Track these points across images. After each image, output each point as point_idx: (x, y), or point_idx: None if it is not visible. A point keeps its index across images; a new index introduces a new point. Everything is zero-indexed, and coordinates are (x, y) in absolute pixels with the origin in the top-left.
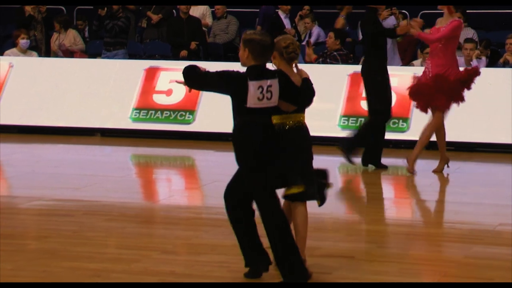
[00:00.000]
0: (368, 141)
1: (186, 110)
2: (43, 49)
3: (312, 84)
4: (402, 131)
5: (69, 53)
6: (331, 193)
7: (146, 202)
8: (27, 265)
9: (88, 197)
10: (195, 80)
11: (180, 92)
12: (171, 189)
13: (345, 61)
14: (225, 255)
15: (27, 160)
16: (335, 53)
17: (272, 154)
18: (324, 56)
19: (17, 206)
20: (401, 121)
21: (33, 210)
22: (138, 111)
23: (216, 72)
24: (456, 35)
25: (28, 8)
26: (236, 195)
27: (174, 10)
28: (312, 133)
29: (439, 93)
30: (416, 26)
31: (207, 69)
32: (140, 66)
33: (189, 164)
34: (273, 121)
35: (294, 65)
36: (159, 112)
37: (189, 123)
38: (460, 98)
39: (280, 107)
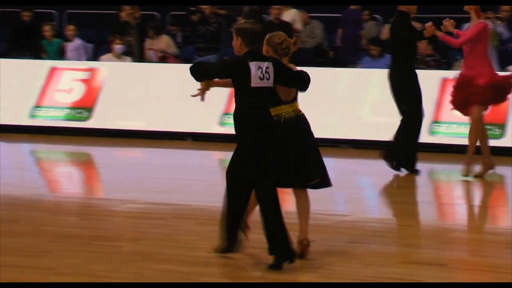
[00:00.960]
0: (406, 145)
1: None
2: (137, 54)
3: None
4: (496, 137)
5: (162, 59)
6: (420, 200)
7: None
8: (120, 267)
9: (180, 201)
10: (201, 71)
11: None
12: None
13: (438, 66)
14: (316, 261)
15: (121, 163)
16: (427, 58)
17: (271, 137)
18: (416, 61)
19: (111, 209)
20: (496, 128)
21: (127, 213)
22: (227, 116)
23: (219, 60)
24: (482, 37)
25: (123, 14)
26: (238, 173)
27: (264, 15)
28: None
29: (468, 97)
30: (449, 27)
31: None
32: None
33: None
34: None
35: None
36: None
37: None
38: (491, 102)
39: (281, 96)
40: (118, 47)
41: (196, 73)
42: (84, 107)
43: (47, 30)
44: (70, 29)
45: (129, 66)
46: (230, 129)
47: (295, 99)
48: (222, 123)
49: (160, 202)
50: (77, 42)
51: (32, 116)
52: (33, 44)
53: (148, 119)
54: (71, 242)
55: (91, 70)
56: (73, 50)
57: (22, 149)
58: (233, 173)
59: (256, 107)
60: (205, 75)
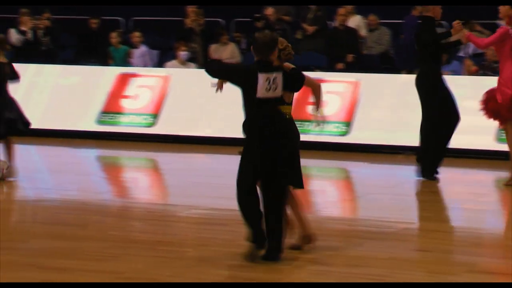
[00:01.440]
0: (433, 150)
1: (337, 122)
2: (201, 61)
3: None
4: None
5: None
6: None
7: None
8: (185, 272)
9: None
10: (213, 69)
11: (333, 104)
12: (325, 200)
13: None
14: (381, 268)
15: (185, 169)
16: (495, 65)
17: (277, 144)
18: (484, 67)
19: (176, 214)
20: None
21: (191, 218)
22: (300, 123)
23: (232, 65)
24: (504, 42)
25: (188, 21)
26: (248, 182)
27: (329, 22)
28: (469, 146)
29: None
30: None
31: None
32: None
33: (343, 176)
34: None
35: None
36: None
37: (343, 135)
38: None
39: (284, 98)
40: (183, 53)
41: (210, 70)
42: (150, 113)
43: (114, 37)
44: (136, 36)
45: (193, 73)
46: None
47: (291, 103)
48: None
49: (223, 208)
50: (143, 48)
51: (99, 122)
52: (100, 51)
53: (213, 126)
54: (136, 247)
55: (157, 77)
56: (138, 56)
57: (89, 155)
58: (242, 180)
59: (262, 117)
60: (216, 74)
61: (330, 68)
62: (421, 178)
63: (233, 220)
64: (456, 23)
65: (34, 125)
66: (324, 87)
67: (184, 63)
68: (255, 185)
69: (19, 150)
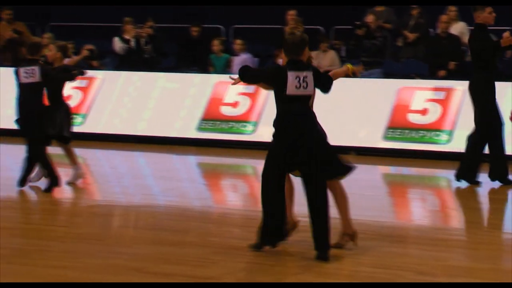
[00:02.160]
0: (480, 156)
1: (438, 130)
2: None
3: None
4: None
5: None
6: None
7: (400, 221)
8: (285, 279)
9: None
10: (249, 74)
11: (433, 112)
12: (425, 209)
13: None
14: (482, 279)
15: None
16: None
17: (302, 140)
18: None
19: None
20: None
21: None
22: (392, 130)
23: (263, 68)
24: None
25: (287, 28)
26: (273, 177)
27: (431, 29)
28: None
29: None
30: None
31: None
32: (394, 85)
33: (444, 185)
34: None
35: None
36: (413, 131)
37: (446, 143)
38: None
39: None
40: (282, 61)
41: (245, 76)
42: (249, 120)
43: (216, 44)
44: (238, 43)
45: None
46: (394, 144)
47: (312, 104)
48: (386, 138)
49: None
50: (244, 56)
51: (199, 129)
52: (201, 59)
53: None
54: (236, 254)
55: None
56: (239, 64)
57: (190, 161)
58: (267, 175)
59: (292, 114)
60: (251, 79)
61: (431, 75)
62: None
63: (336, 229)
64: (506, 35)
65: (141, 132)
66: (424, 95)
67: None
68: (281, 181)
69: (126, 156)
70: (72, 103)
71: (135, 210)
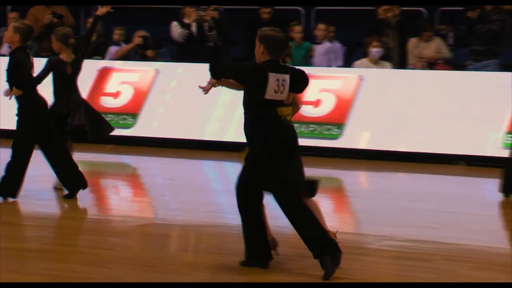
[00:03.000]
0: None
1: None
2: (396, 59)
3: None
4: None
5: (428, 64)
6: None
7: None
8: None
9: (450, 239)
10: (219, 68)
11: None
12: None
13: None
14: None
15: (376, 191)
16: None
17: (284, 149)
18: None
19: (365, 246)
20: None
21: (383, 251)
22: (511, 135)
23: (239, 63)
24: None
25: (381, 11)
26: (249, 189)
27: None
28: None
29: None
30: None
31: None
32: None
33: None
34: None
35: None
36: None
37: None
38: None
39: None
40: (375, 50)
41: (215, 69)
42: (334, 122)
43: (298, 31)
44: (320, 29)
45: (387, 73)
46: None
47: (291, 104)
48: (505, 144)
49: (425, 239)
50: (327, 45)
51: None
52: None
53: (411, 139)
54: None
55: (343, 78)
56: (322, 54)
57: None
58: (244, 186)
59: (268, 120)
60: (222, 74)
61: None
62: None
63: (436, 255)
64: None
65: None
66: None
67: (376, 62)
68: (260, 192)
69: (185, 165)
70: (120, 100)
71: (196, 231)
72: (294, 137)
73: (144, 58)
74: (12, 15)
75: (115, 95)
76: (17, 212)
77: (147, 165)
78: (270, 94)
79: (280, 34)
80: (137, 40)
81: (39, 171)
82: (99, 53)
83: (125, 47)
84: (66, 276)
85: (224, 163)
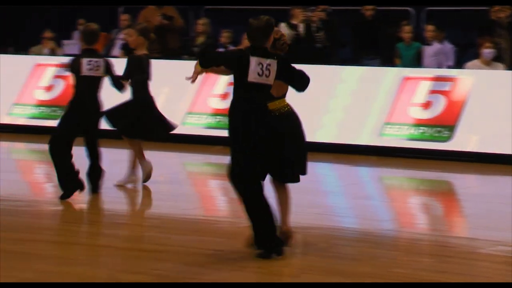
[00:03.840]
0: None
1: None
2: (509, 61)
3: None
4: None
5: None
6: None
7: None
8: None
9: None
10: (209, 56)
11: None
12: None
13: None
14: None
15: (488, 195)
16: None
17: (262, 133)
18: None
19: (477, 251)
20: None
21: (496, 257)
22: None
23: (224, 51)
24: None
25: (493, 12)
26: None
27: None
28: None
29: None
30: None
31: None
32: None
33: None
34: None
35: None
36: None
37: None
38: None
39: (272, 92)
40: (487, 51)
41: (204, 58)
42: (445, 124)
43: (407, 31)
44: (430, 30)
45: (499, 75)
46: None
47: (284, 95)
48: None
49: None
50: (438, 46)
51: (381, 134)
52: (382, 47)
53: None
54: None
55: (453, 80)
56: (431, 55)
57: (368, 174)
58: (236, 172)
59: (251, 102)
60: (211, 61)
61: None
62: None
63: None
64: None
65: (313, 138)
66: None
67: (488, 63)
68: (256, 175)
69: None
70: (228, 102)
71: (304, 233)
72: (270, 127)
73: None
74: (124, 17)
75: (223, 96)
76: (134, 213)
77: None
78: (253, 77)
79: (259, 21)
80: (245, 42)
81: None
82: None
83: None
84: (175, 277)
85: (330, 165)
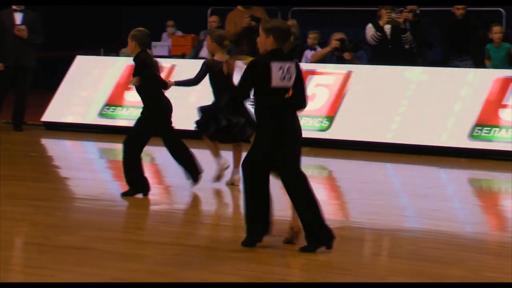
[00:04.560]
0: None
1: None
2: None
3: None
4: None
5: None
6: None
7: None
8: None
9: None
10: (238, 98)
11: None
12: None
13: None
14: None
15: None
16: None
17: (288, 135)
18: None
19: None
20: None
21: None
22: None
23: (243, 77)
24: None
25: None
26: (257, 167)
27: None
28: None
29: None
30: None
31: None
32: None
33: None
34: None
35: None
36: None
37: None
38: None
39: None
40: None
41: (237, 103)
42: None
43: (497, 32)
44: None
45: None
46: None
47: None
48: None
49: None
50: None
51: (473, 137)
52: (471, 47)
53: None
54: None
55: None
56: None
57: (459, 177)
58: (252, 161)
59: (276, 107)
60: (242, 99)
61: None
62: None
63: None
64: None
65: (393, 139)
66: None
67: None
68: (267, 173)
69: (376, 168)
70: (316, 103)
71: (390, 235)
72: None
73: (341, 60)
74: (212, 18)
75: (310, 98)
76: (220, 214)
77: (341, 167)
78: (275, 83)
79: (286, 24)
80: (334, 43)
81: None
82: (294, 55)
83: (322, 50)
84: (262, 276)
85: (414, 167)
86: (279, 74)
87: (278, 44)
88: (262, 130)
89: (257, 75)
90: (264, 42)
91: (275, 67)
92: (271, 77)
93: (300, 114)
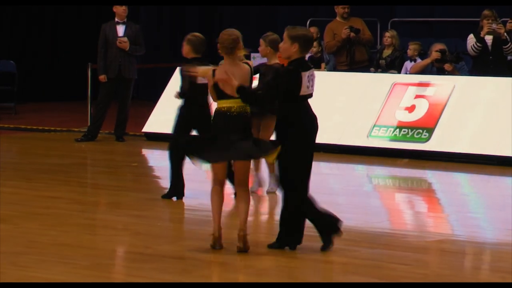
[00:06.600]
0: None
1: None
2: None
3: None
4: None
5: None
6: None
7: None
8: None
9: None
10: (263, 102)
11: None
12: None
13: None
14: None
15: None
16: None
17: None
18: None
19: None
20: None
21: None
22: None
23: (271, 80)
24: None
25: None
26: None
27: None
28: None
29: None
30: None
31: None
32: None
33: None
34: (220, 105)
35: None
36: None
37: None
38: None
39: (226, 91)
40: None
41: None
42: None
43: None
44: None
45: None
46: None
47: None
48: None
49: None
50: None
51: None
52: None
53: None
54: None
55: None
56: None
57: None
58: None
59: (307, 114)
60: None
61: None
62: None
63: None
64: None
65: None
66: None
67: None
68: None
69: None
70: (415, 115)
71: (493, 249)
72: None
73: (441, 72)
74: (311, 30)
75: (410, 109)
76: None
77: (442, 179)
78: (303, 91)
79: (310, 33)
80: (434, 54)
81: None
82: (394, 67)
83: (422, 62)
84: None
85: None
86: (306, 82)
87: (302, 52)
88: (296, 133)
89: (289, 84)
90: (288, 49)
91: (304, 76)
92: (302, 86)
93: (399, 125)
